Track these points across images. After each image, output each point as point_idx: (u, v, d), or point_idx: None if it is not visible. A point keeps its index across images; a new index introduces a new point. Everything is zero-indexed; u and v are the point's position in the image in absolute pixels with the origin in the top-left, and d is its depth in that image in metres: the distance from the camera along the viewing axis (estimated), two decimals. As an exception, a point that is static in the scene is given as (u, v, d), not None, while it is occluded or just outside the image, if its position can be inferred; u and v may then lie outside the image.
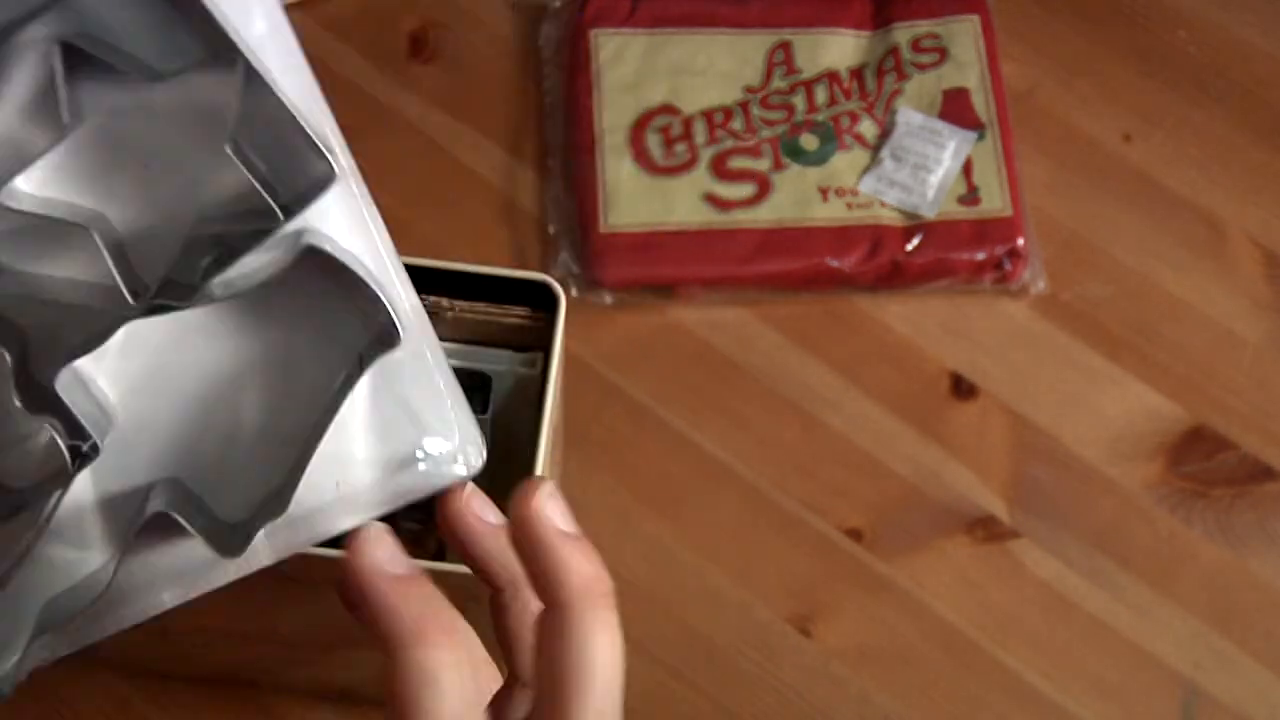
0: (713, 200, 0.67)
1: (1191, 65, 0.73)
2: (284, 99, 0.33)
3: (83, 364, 0.34)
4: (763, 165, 0.68)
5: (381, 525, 0.36)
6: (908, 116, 0.69)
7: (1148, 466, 0.64)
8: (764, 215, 0.67)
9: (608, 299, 0.66)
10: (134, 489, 0.35)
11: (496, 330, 0.46)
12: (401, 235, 0.71)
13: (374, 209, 0.35)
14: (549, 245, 0.68)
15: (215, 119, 0.33)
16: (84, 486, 0.35)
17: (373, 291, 0.34)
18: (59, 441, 0.34)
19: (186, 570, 0.37)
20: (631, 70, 0.70)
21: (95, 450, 0.34)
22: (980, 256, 0.67)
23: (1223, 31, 0.74)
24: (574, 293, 0.66)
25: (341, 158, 0.34)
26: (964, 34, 0.71)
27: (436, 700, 0.34)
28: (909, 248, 0.67)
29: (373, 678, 0.56)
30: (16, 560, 0.35)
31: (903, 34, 0.71)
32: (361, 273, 0.35)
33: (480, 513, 0.38)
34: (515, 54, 0.73)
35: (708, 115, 0.69)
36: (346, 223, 0.35)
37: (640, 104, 0.70)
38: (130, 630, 0.53)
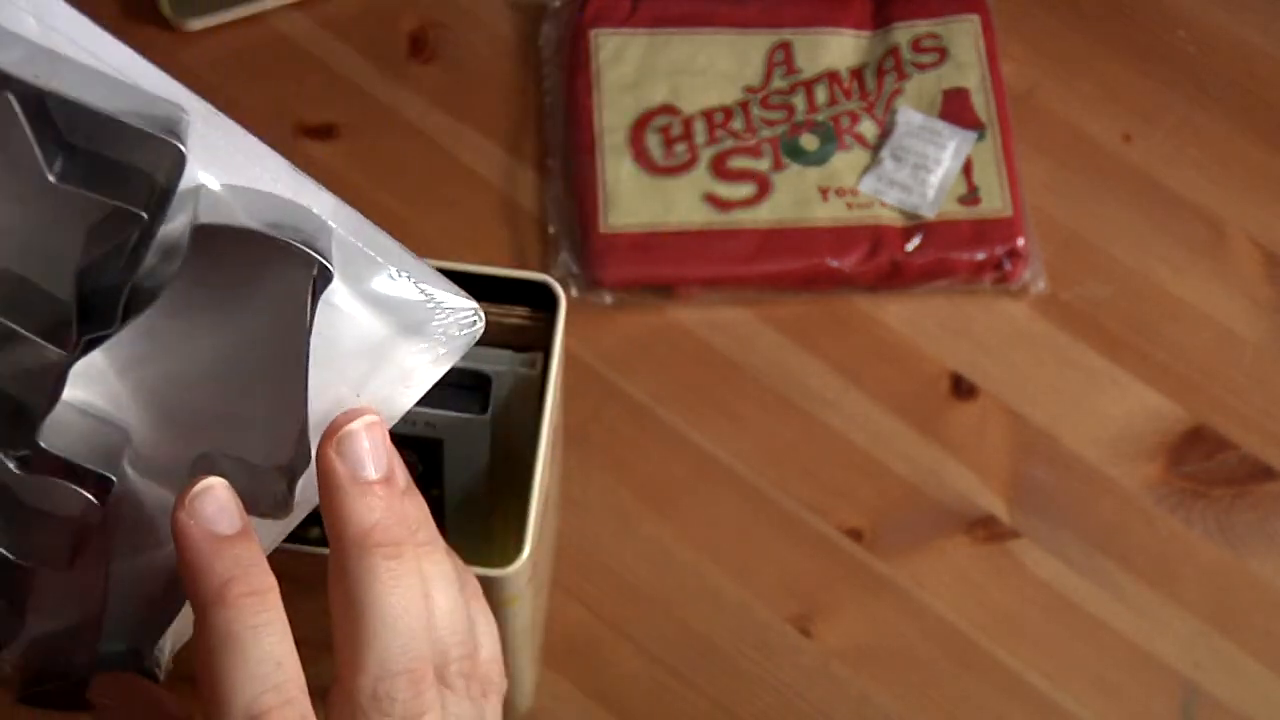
0: (713, 200, 0.67)
1: (1191, 65, 0.73)
2: (87, 104, 0.32)
3: (75, 398, 0.34)
4: (763, 165, 0.68)
5: (217, 480, 0.34)
6: (908, 116, 0.69)
7: (1148, 466, 0.64)
8: (764, 215, 0.67)
9: (608, 299, 0.66)
10: (179, 479, 0.35)
11: (496, 330, 0.46)
12: (401, 235, 0.71)
13: (246, 136, 0.34)
14: (549, 245, 0.68)
15: (22, 156, 0.32)
16: (140, 490, 0.35)
17: (281, 241, 0.33)
18: (82, 494, 0.34)
19: None
20: (631, 70, 0.70)
21: (108, 483, 0.34)
22: (980, 256, 0.67)
23: (1223, 31, 0.74)
24: (574, 293, 0.66)
25: (189, 111, 0.32)
26: (964, 34, 0.71)
27: (236, 662, 0.33)
28: (909, 248, 0.67)
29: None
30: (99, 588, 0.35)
31: (903, 34, 0.71)
32: (261, 227, 0.33)
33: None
34: (515, 54, 0.73)
35: (708, 115, 0.69)
36: (228, 165, 0.34)
37: (640, 104, 0.70)
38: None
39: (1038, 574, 0.62)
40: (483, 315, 0.37)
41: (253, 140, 0.34)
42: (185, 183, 0.32)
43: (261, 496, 0.35)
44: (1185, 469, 0.64)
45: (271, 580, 0.34)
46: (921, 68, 0.71)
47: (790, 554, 0.62)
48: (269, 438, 0.35)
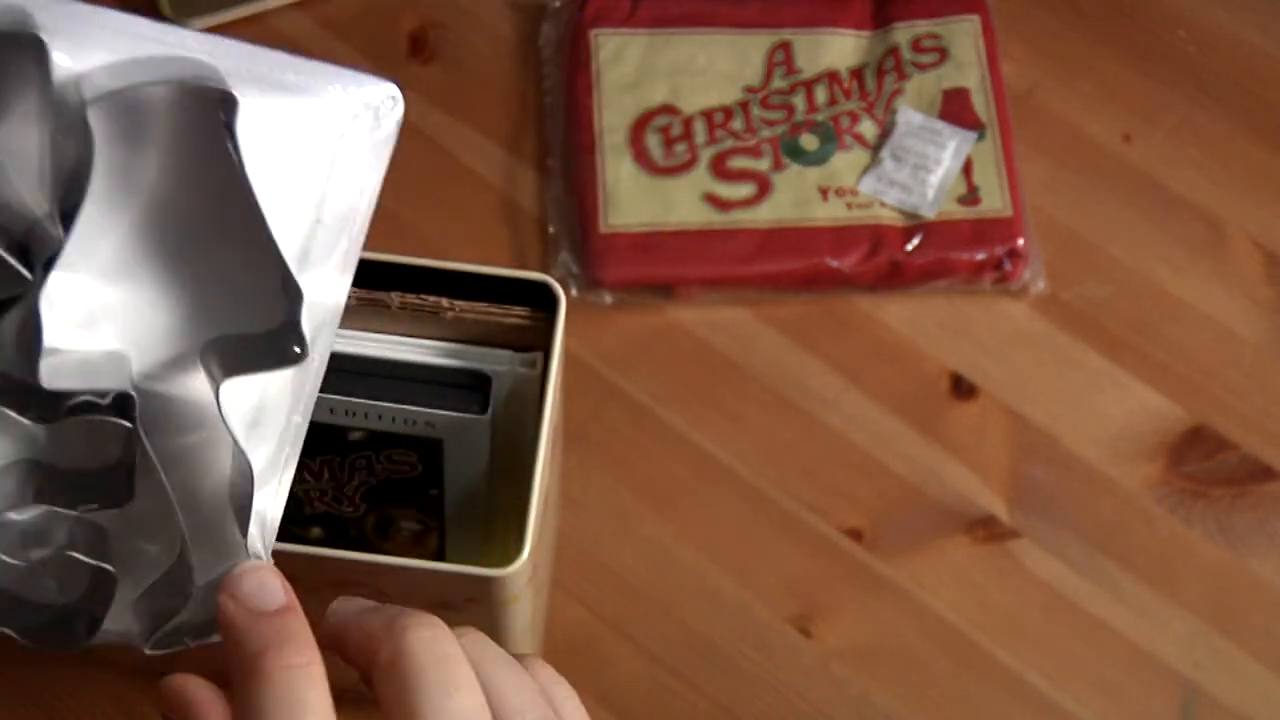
0: (713, 200, 0.67)
1: (1191, 65, 0.73)
2: None
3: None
4: (763, 165, 0.68)
5: (261, 563, 0.35)
6: (908, 116, 0.69)
7: (1148, 466, 0.64)
8: (764, 215, 0.67)
9: (608, 299, 0.66)
10: (192, 367, 0.35)
11: (496, 330, 0.46)
12: (401, 235, 0.72)
13: (96, 10, 0.34)
14: (549, 245, 0.68)
15: None
16: (162, 394, 0.35)
17: (173, 84, 0.34)
18: (107, 419, 0.34)
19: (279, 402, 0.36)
20: (631, 70, 0.70)
21: (129, 399, 0.34)
22: (980, 256, 0.67)
23: (1223, 31, 0.74)
24: (574, 293, 0.66)
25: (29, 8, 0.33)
26: (964, 34, 0.71)
27: None
28: (909, 248, 0.67)
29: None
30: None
31: (903, 34, 0.71)
32: (149, 79, 0.34)
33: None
34: (515, 54, 0.73)
35: (708, 115, 0.69)
36: (92, 43, 0.34)
37: (640, 104, 0.70)
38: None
39: (1038, 574, 0.62)
40: (399, 93, 0.38)
41: (105, 12, 0.34)
42: (62, 74, 0.32)
43: (274, 356, 0.35)
44: (1185, 469, 0.64)
45: (315, 654, 0.33)
46: (921, 68, 0.71)
47: (790, 554, 0.62)
48: (259, 293, 0.35)
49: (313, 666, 0.33)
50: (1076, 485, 0.64)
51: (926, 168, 0.68)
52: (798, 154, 0.69)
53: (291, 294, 0.35)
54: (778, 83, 0.70)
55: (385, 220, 0.72)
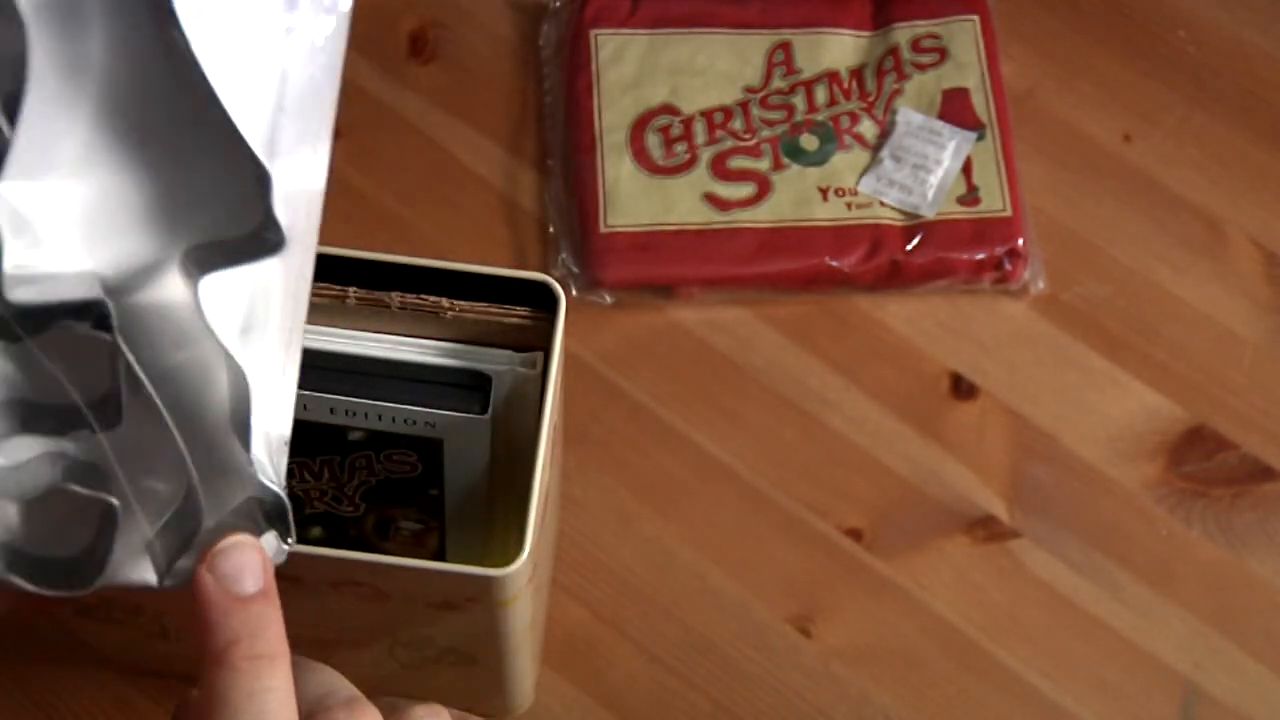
0: (713, 200, 0.67)
1: (1191, 65, 0.73)
2: None
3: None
4: (763, 165, 0.68)
5: (245, 538, 0.34)
6: (908, 116, 0.69)
7: (1148, 466, 0.64)
8: (764, 215, 0.67)
9: (608, 299, 0.66)
10: (170, 274, 0.34)
11: (496, 330, 0.46)
12: (401, 235, 0.72)
13: None
14: (549, 245, 0.68)
15: None
16: (137, 305, 0.34)
17: None
18: (80, 330, 0.32)
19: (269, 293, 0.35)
20: (631, 70, 0.70)
21: (101, 306, 0.32)
22: (980, 256, 0.67)
23: (1223, 31, 0.74)
24: (574, 293, 0.66)
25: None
26: (964, 34, 0.71)
27: None
28: (909, 248, 0.67)
29: (371, 677, 0.56)
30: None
31: (903, 34, 0.71)
32: None
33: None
34: (515, 54, 0.73)
35: (708, 115, 0.69)
36: None
37: (640, 104, 0.70)
38: (131, 631, 0.53)
39: (1038, 574, 0.62)
40: None
41: None
42: None
43: (250, 247, 0.34)
44: (1185, 469, 0.64)
45: (282, 647, 0.33)
46: (921, 68, 0.71)
47: (790, 554, 0.62)
48: (231, 188, 0.34)
49: (279, 659, 0.33)
50: (1076, 485, 0.64)
51: (926, 168, 0.68)
52: (798, 154, 0.69)
53: (261, 179, 0.33)
54: (778, 83, 0.70)
55: (385, 220, 0.73)
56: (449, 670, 0.52)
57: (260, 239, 0.34)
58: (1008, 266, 0.67)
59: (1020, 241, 0.67)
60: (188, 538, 0.34)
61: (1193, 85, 0.73)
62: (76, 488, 0.34)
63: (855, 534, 0.63)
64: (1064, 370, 0.66)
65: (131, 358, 0.33)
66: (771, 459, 0.64)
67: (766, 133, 0.69)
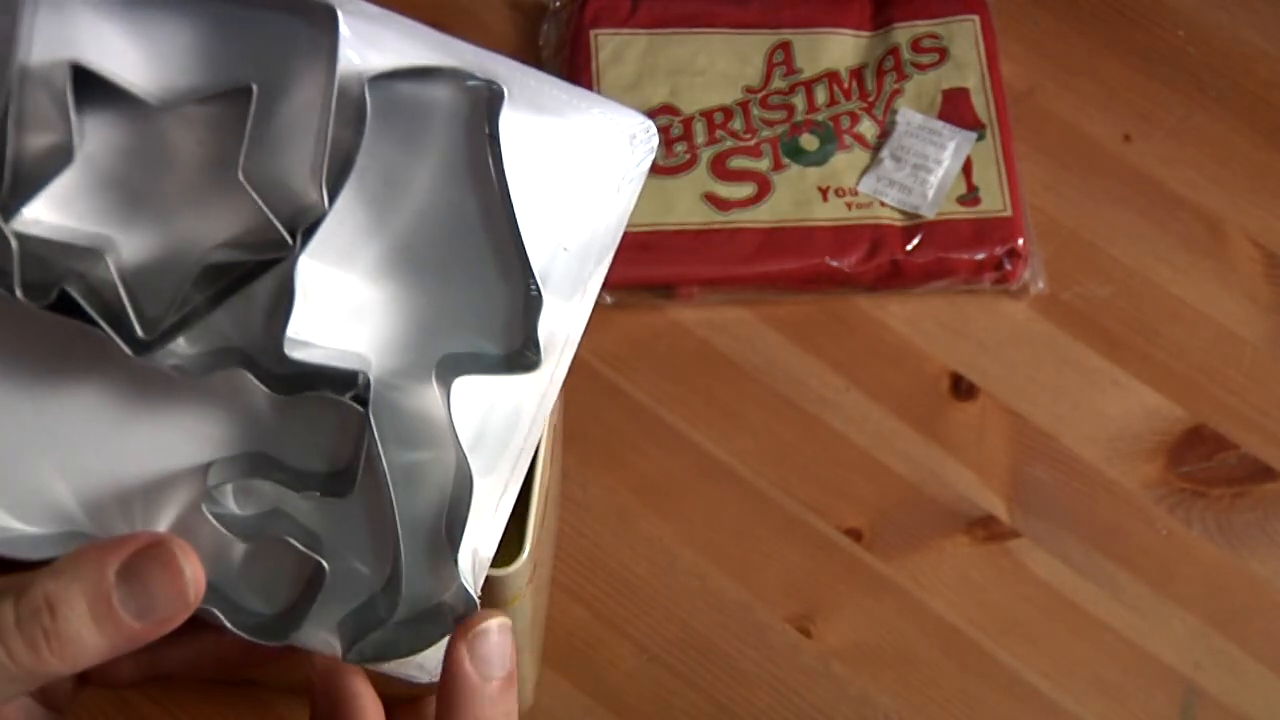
0: (713, 200, 0.67)
1: (1191, 65, 0.73)
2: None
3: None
4: (763, 165, 0.68)
5: (496, 622, 0.37)
6: (908, 116, 0.69)
7: (1148, 466, 0.64)
8: (764, 215, 0.67)
9: (608, 299, 0.66)
10: (426, 379, 0.36)
11: None
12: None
13: (391, 14, 0.36)
14: (549, 245, 0.68)
15: (225, 149, 0.33)
16: (396, 401, 0.36)
17: (449, 69, 0.36)
18: (339, 400, 0.34)
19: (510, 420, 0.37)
20: (631, 70, 0.70)
21: (363, 379, 0.34)
22: (980, 256, 0.67)
23: (1223, 31, 0.74)
24: (574, 293, 0.66)
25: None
26: (964, 34, 0.71)
27: None
28: (909, 248, 0.67)
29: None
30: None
31: (903, 34, 0.71)
32: (425, 59, 0.36)
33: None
34: (515, 54, 0.72)
35: (708, 115, 0.69)
36: (372, 39, 0.35)
37: (640, 104, 0.70)
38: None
39: (1038, 574, 0.62)
40: (654, 128, 0.38)
41: (399, 18, 0.36)
42: (349, 66, 0.34)
43: (507, 361, 0.36)
44: (1185, 469, 0.64)
45: None
46: (921, 68, 0.71)
47: (790, 554, 0.62)
48: (501, 311, 0.36)
49: None
50: (1076, 485, 0.64)
51: (926, 168, 0.68)
52: (798, 154, 0.69)
53: (533, 302, 0.35)
54: (778, 83, 0.70)
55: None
56: None
57: (519, 356, 0.36)
58: (1008, 266, 0.67)
59: (1020, 241, 0.67)
60: (375, 624, 0.36)
61: (1193, 85, 0.73)
62: (295, 542, 0.35)
63: (855, 534, 0.63)
64: (1064, 370, 0.66)
65: (378, 440, 0.34)
66: (771, 459, 0.64)
67: (766, 133, 0.69)
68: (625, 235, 0.66)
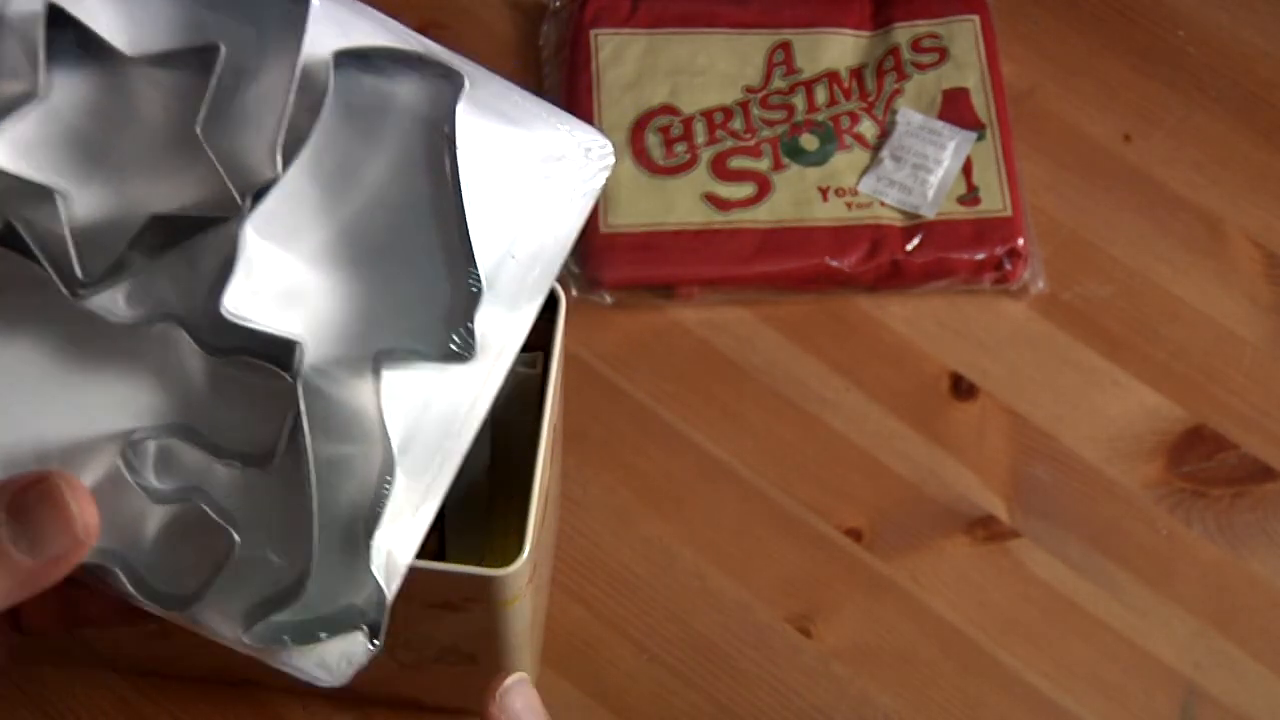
0: (713, 200, 0.67)
1: (1191, 65, 0.73)
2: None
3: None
4: (763, 165, 0.68)
5: (523, 675, 0.38)
6: (908, 116, 0.69)
7: (1148, 466, 0.64)
8: (764, 215, 0.67)
9: (608, 299, 0.66)
10: (361, 372, 0.36)
11: None
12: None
13: (364, 8, 0.37)
14: (549, 245, 0.68)
15: (188, 116, 0.34)
16: (325, 387, 0.36)
17: (413, 53, 0.35)
18: (270, 368, 0.34)
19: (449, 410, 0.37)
20: (631, 70, 0.70)
21: (295, 348, 0.34)
22: (980, 256, 0.67)
23: (1223, 31, 0.74)
24: (574, 293, 0.66)
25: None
26: (964, 34, 0.71)
27: None
28: (909, 248, 0.67)
29: (371, 676, 0.56)
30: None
31: (903, 34, 0.71)
32: (391, 44, 0.36)
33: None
34: (515, 54, 0.73)
35: (708, 115, 0.69)
36: (344, 25, 0.36)
37: (640, 104, 0.70)
38: (131, 631, 0.52)
39: (1038, 574, 0.62)
40: (611, 147, 0.38)
41: (375, 11, 0.36)
42: (315, 53, 0.34)
43: (442, 355, 0.36)
44: (1185, 469, 0.64)
45: None
46: (921, 68, 0.71)
47: (790, 554, 0.62)
48: (440, 308, 0.36)
49: None
50: (1076, 485, 0.64)
51: (926, 168, 0.68)
52: (798, 154, 0.69)
53: (473, 297, 0.35)
54: (778, 83, 0.70)
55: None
56: (449, 670, 0.52)
57: (452, 346, 0.35)
58: (1008, 266, 0.67)
59: (1020, 241, 0.67)
60: (278, 611, 0.35)
61: (1193, 85, 0.73)
62: (208, 509, 0.35)
63: (855, 534, 0.63)
64: (1064, 370, 0.66)
65: (305, 419, 0.34)
66: (771, 459, 0.64)
67: (766, 133, 0.69)
68: (625, 235, 0.67)
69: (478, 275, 0.35)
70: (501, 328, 0.37)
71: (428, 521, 0.37)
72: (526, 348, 0.46)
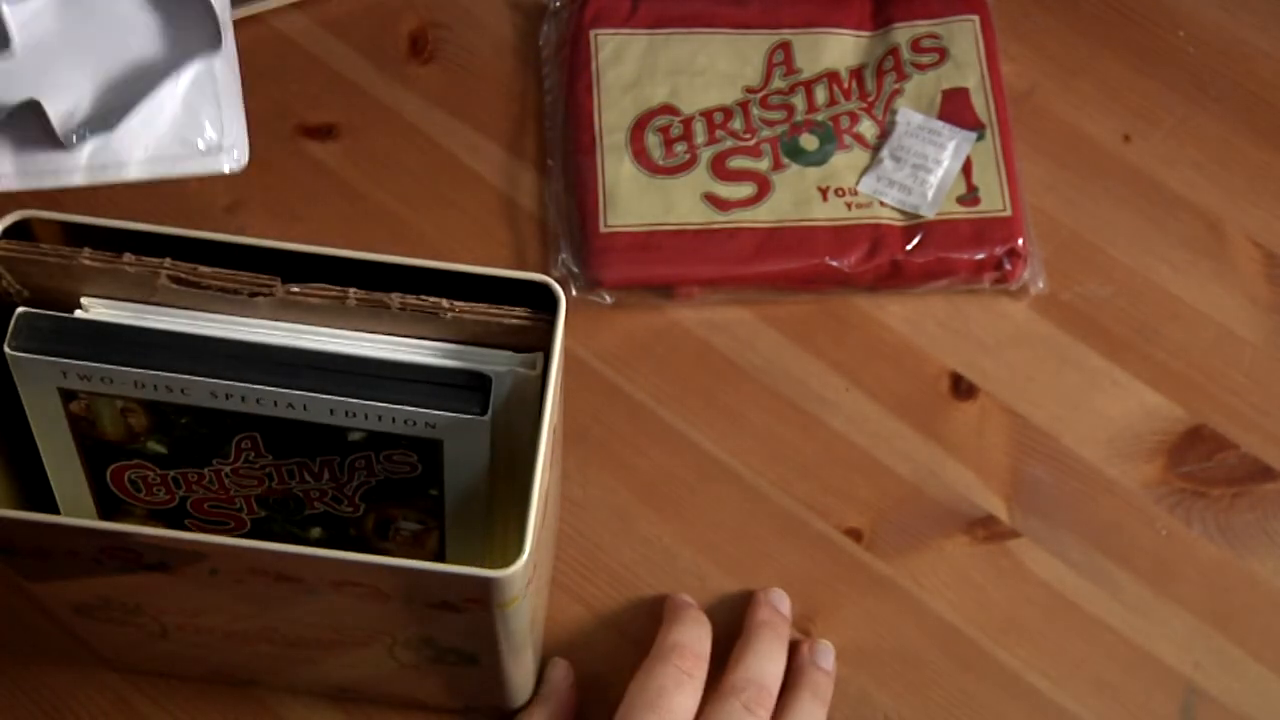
0: (712, 200, 0.67)
1: (1191, 65, 0.73)
2: None
3: None
4: (762, 165, 0.68)
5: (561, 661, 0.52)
6: (907, 116, 0.69)
7: (1147, 466, 0.64)
8: (764, 215, 0.67)
9: (608, 299, 0.66)
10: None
11: (496, 331, 0.46)
12: (401, 235, 0.72)
13: None
14: (549, 245, 0.68)
15: None
16: None
17: (219, 18, 0.42)
18: None
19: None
20: (631, 70, 0.70)
21: None
22: (980, 256, 0.67)
23: (1223, 31, 0.74)
24: (574, 293, 0.66)
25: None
26: (964, 34, 0.71)
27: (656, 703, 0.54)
28: (909, 247, 0.67)
29: (371, 676, 0.56)
30: None
31: (902, 34, 0.71)
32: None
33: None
34: (515, 54, 0.73)
35: (708, 115, 0.69)
36: None
37: (640, 104, 0.70)
38: (131, 631, 0.53)
39: (1038, 574, 0.62)
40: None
41: None
42: None
43: None
44: (1185, 469, 0.64)
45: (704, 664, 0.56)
46: (921, 68, 0.71)
47: (790, 554, 0.62)
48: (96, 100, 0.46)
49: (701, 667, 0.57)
50: (1076, 485, 0.64)
51: (926, 168, 0.68)
52: (797, 154, 0.69)
53: (108, 123, 0.47)
54: (777, 83, 0.70)
55: (385, 220, 0.72)
56: (450, 669, 0.52)
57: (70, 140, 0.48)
58: (1008, 266, 0.67)
59: (1020, 241, 0.67)
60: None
61: (1193, 85, 0.73)
62: None
63: (855, 534, 0.63)
64: (1064, 370, 0.66)
65: None
66: (771, 459, 0.64)
67: (766, 133, 0.69)
68: (625, 235, 0.67)
69: (114, 126, 0.47)
70: (95, 156, 0.48)
71: None
72: (526, 349, 0.46)
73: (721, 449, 0.64)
